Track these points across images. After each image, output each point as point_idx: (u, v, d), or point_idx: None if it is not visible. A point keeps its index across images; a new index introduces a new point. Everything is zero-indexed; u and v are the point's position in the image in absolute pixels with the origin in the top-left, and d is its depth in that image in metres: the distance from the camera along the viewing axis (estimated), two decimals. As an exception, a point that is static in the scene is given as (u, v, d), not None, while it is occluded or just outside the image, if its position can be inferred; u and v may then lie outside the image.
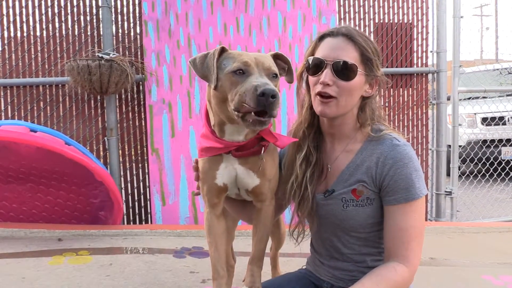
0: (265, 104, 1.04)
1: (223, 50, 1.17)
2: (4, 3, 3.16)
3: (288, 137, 1.25)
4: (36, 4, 3.17)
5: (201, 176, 1.32)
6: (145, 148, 3.25)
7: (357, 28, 1.37)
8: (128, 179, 3.30)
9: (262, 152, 1.22)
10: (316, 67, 1.19)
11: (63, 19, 3.19)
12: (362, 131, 1.25)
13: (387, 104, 3.41)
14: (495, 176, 4.00)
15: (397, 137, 1.21)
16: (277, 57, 1.25)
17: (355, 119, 1.25)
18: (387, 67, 3.38)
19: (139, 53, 3.21)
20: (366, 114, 1.24)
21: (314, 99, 1.21)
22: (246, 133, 1.21)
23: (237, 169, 1.26)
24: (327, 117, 1.23)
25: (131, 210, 3.31)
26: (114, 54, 2.99)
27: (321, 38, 1.23)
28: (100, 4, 3.16)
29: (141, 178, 3.30)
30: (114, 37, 3.20)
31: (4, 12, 3.16)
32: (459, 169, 3.60)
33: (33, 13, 3.18)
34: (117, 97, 3.21)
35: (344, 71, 1.16)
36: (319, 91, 1.18)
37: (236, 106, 1.09)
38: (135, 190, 3.31)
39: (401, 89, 3.45)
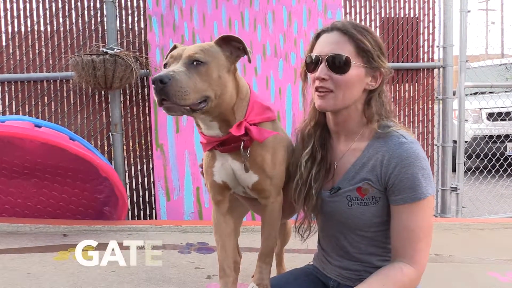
0: (158, 91, 1.02)
1: (175, 47, 1.21)
2: (8, -3, 3.15)
3: (269, 131, 1.23)
4: (40, -2, 3.17)
5: (204, 172, 1.31)
6: (149, 144, 3.25)
7: (361, 22, 1.36)
8: (133, 174, 3.30)
9: (242, 147, 1.19)
10: (313, 64, 1.20)
11: (67, 14, 3.19)
12: (369, 127, 1.22)
13: (392, 99, 3.39)
14: (501, 172, 3.98)
15: (404, 135, 1.18)
16: (229, 40, 1.23)
17: (361, 114, 1.23)
18: (393, 61, 3.36)
19: (143, 48, 3.20)
20: (372, 108, 1.22)
21: (314, 95, 1.22)
22: (219, 127, 1.19)
23: (232, 166, 1.24)
24: (326, 111, 1.23)
25: (135, 205, 3.32)
26: (118, 49, 2.97)
27: (318, 35, 1.23)
28: (104, -2, 3.15)
29: (145, 173, 3.30)
30: (118, 32, 3.19)
31: (8, 6, 3.16)
32: (465, 165, 3.58)
33: (37, 8, 3.17)
34: (121, 92, 3.21)
35: (337, 64, 1.16)
36: (316, 86, 1.20)
37: None
38: (140, 186, 3.31)
39: (407, 84, 3.43)
